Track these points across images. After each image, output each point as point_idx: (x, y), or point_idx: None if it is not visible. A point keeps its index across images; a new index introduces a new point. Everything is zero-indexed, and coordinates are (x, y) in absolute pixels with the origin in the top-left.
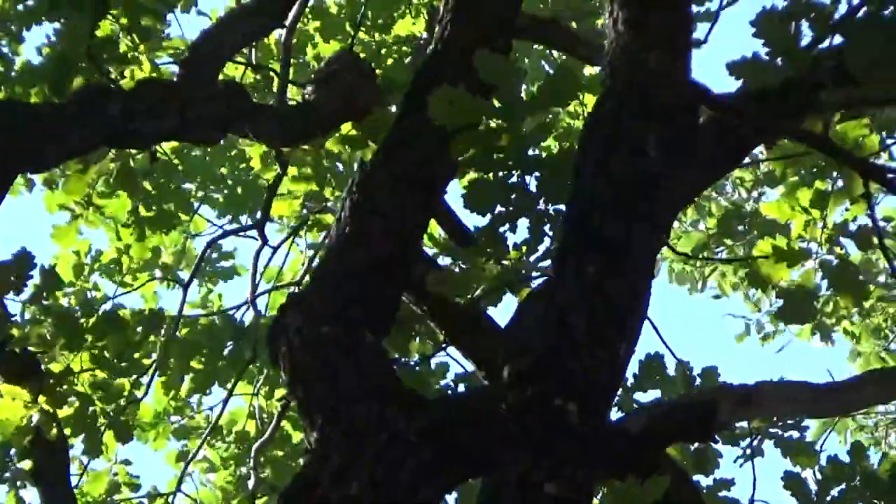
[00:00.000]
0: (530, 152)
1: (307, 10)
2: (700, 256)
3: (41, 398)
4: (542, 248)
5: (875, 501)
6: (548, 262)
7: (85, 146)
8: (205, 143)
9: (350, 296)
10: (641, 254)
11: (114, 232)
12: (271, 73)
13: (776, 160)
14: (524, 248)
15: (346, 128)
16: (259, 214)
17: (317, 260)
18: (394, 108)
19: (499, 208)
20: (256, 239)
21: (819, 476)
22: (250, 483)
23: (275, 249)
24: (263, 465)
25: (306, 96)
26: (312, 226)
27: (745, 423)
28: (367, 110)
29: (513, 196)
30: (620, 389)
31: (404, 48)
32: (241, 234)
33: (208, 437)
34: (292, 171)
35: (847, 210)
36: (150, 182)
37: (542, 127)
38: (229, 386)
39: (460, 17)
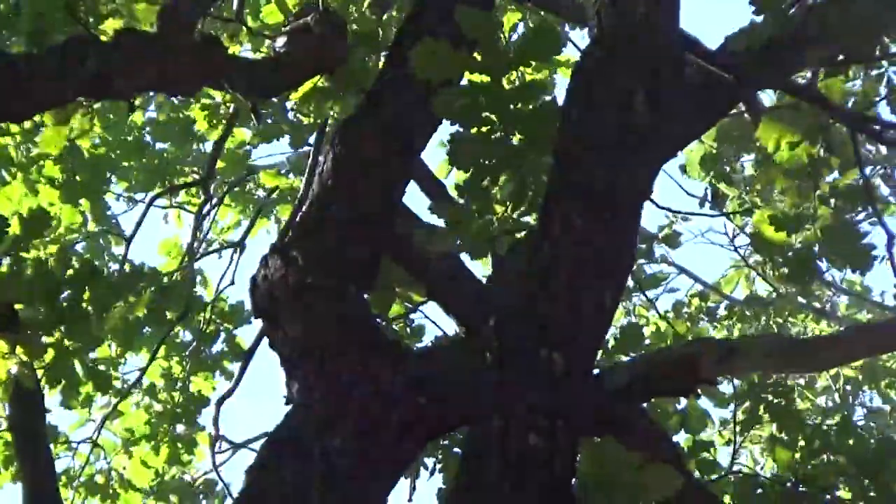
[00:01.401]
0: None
1: None
2: (688, 212)
3: (18, 349)
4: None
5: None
6: (532, 217)
7: (60, 99)
8: (182, 95)
9: (334, 247)
10: (627, 206)
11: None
12: (242, 26)
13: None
14: (508, 203)
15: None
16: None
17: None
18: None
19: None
20: (200, 196)
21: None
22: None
23: (215, 205)
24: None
25: (277, 49)
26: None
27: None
28: (337, 62)
29: (496, 151)
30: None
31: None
32: (186, 189)
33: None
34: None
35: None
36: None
37: (524, 85)
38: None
39: None
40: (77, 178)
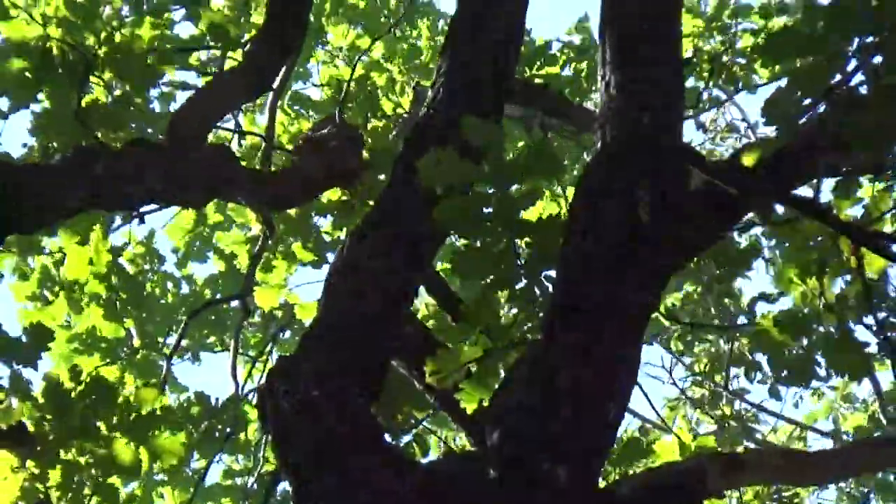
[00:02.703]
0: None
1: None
2: (695, 323)
3: (29, 463)
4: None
5: None
6: (536, 329)
7: (70, 209)
8: (191, 207)
9: (340, 359)
10: (630, 317)
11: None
12: (258, 138)
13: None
14: (513, 317)
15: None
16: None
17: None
18: (381, 176)
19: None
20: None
21: None
22: None
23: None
24: None
25: (294, 161)
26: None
27: None
28: (353, 175)
29: (501, 264)
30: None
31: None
32: (224, 304)
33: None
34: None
35: (847, 283)
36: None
37: (530, 192)
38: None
39: (453, 82)
40: (122, 294)
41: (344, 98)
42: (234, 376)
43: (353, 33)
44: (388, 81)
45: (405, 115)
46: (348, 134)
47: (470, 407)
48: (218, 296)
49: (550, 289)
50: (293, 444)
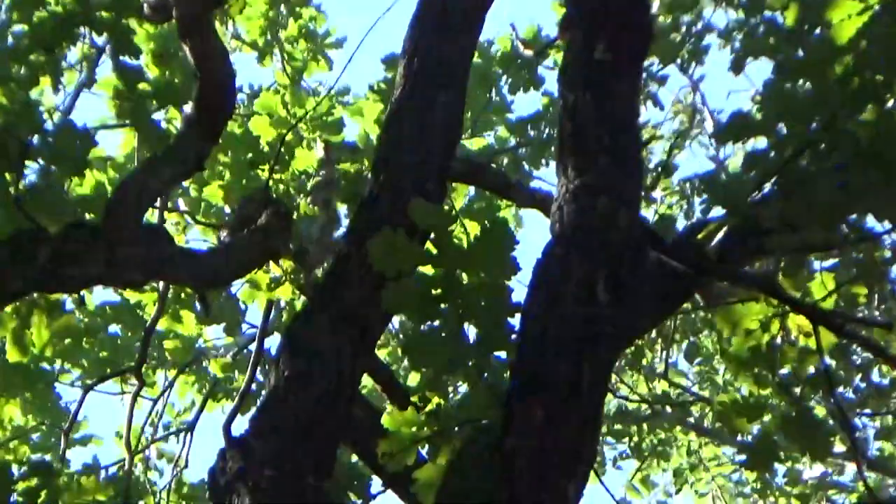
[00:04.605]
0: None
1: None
2: (649, 400)
3: None
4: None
5: None
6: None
7: (15, 293)
8: (130, 287)
9: (291, 439)
10: (589, 396)
11: None
12: (185, 217)
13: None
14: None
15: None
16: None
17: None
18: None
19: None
20: (134, 383)
21: None
22: None
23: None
24: None
25: (223, 238)
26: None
27: None
28: (282, 251)
29: (452, 347)
30: None
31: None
32: (119, 376)
33: None
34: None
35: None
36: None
37: (481, 286)
38: None
39: (396, 162)
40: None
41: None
42: (129, 446)
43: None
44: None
45: (317, 175)
46: (276, 210)
47: (428, 500)
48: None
49: (503, 371)
50: None
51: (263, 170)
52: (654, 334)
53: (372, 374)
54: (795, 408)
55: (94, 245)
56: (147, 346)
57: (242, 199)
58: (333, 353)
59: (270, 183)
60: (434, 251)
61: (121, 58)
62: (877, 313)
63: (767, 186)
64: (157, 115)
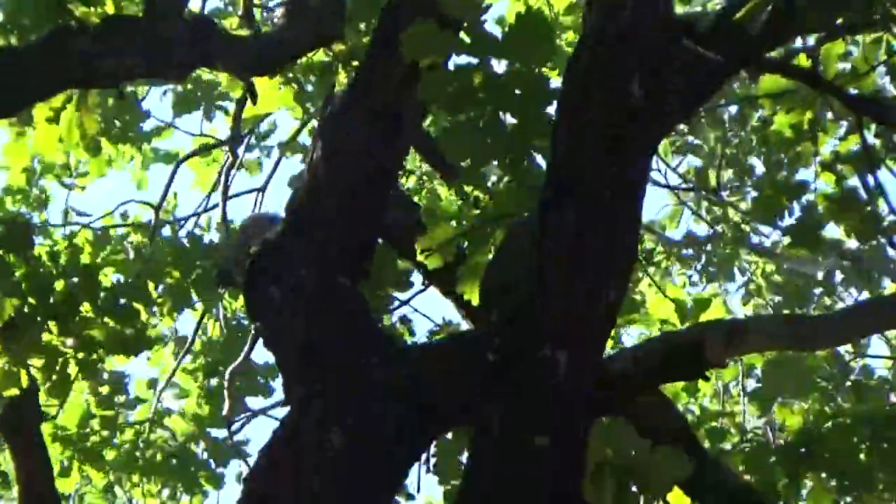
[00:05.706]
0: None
1: None
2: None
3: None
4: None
5: None
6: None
7: (49, 88)
8: (173, 79)
9: (325, 239)
10: (627, 195)
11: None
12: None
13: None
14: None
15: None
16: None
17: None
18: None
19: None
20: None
21: None
22: (225, 407)
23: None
24: (238, 390)
25: (274, 22)
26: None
27: None
28: (334, 37)
29: (490, 136)
30: None
31: None
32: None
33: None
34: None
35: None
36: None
37: (517, 74)
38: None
39: None
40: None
41: None
42: (225, 221)
43: None
44: None
45: None
46: None
47: (472, 298)
48: None
49: (541, 162)
50: (281, 331)
51: None
52: None
53: (421, 151)
54: (839, 185)
55: (133, 36)
56: (240, 118)
57: None
58: (367, 151)
59: None
60: (467, 41)
61: None
62: None
63: None
64: None
